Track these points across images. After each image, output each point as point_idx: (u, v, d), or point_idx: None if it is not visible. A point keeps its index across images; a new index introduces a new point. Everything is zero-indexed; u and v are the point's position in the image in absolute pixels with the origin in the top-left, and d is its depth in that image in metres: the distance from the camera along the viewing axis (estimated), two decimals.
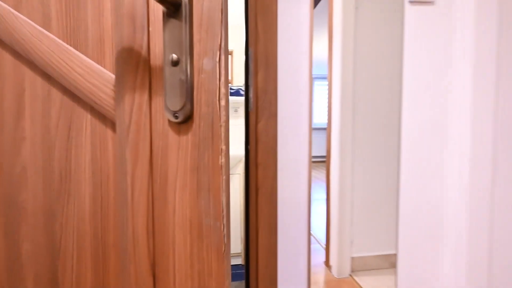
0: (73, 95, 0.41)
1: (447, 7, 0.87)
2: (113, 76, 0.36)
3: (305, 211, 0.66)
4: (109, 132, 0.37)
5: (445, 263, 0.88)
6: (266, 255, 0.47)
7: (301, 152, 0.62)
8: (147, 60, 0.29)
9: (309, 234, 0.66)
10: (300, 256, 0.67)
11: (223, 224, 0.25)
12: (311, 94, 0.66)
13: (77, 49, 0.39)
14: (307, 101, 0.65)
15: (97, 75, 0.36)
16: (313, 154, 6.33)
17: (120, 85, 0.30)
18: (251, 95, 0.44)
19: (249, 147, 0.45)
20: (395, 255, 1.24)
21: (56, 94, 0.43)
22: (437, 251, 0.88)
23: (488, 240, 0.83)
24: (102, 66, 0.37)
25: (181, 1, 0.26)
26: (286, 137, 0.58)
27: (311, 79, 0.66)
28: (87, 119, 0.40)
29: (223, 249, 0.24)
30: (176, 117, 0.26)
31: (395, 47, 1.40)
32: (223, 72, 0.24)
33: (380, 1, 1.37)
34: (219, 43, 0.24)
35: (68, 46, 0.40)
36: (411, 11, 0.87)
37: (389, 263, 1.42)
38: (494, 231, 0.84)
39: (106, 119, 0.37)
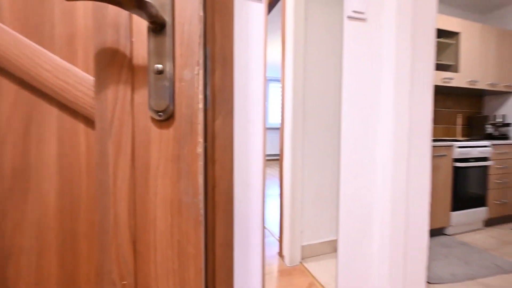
0: (35, 91, 0.42)
1: (377, 24, 1.06)
2: (88, 75, 0.40)
3: (259, 207, 0.74)
4: (81, 127, 0.40)
5: (374, 242, 1.11)
6: (223, 250, 0.50)
7: (256, 150, 0.72)
8: (131, 65, 0.35)
9: (263, 228, 0.76)
10: (255, 249, 0.75)
11: (200, 200, 0.33)
12: (265, 94, 0.77)
13: (42, 46, 0.41)
14: (261, 100, 0.74)
15: (70, 73, 0.39)
16: (269, 152, 6.66)
17: (102, 85, 0.35)
18: (208, 92, 0.47)
19: (206, 144, 0.49)
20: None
21: (8, 89, 0.43)
22: (368, 233, 1.10)
23: (405, 221, 1.08)
24: (74, 65, 0.40)
25: (165, 21, 0.33)
26: (241, 135, 0.66)
27: (265, 79, 0.76)
28: (52, 114, 0.42)
29: (200, 219, 0.33)
30: (160, 116, 0.33)
31: (340, 55, 1.66)
32: (200, 82, 0.33)
33: (326, 13, 1.61)
34: (197, 59, 0.33)
35: (29, 41, 0.41)
36: (349, 25, 1.02)
37: (333, 247, 1.69)
38: (409, 213, 1.09)
39: (78, 114, 0.41)
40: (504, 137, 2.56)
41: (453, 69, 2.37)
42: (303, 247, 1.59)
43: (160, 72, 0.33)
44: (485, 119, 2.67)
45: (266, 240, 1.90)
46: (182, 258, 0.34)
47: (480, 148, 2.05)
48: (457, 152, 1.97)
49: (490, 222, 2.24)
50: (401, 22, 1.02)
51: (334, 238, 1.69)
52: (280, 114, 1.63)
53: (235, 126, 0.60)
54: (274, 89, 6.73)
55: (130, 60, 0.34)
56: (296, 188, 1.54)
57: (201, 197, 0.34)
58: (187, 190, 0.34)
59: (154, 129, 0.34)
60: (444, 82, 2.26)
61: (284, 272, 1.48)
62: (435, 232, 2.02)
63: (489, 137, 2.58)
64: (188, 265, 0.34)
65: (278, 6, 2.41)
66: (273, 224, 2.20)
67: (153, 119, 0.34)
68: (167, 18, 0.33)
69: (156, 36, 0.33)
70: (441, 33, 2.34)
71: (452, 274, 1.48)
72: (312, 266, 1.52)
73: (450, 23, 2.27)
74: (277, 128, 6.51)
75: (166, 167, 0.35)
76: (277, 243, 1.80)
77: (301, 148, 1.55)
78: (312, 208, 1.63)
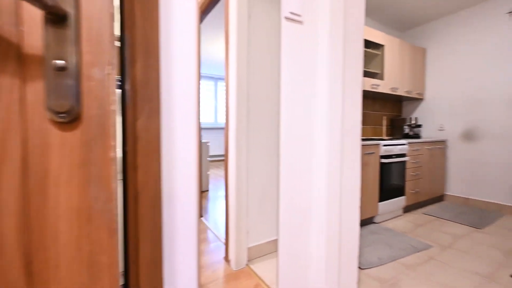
0: None
1: (313, 28, 1.14)
2: None
3: (193, 214, 0.67)
4: None
5: (312, 238, 1.22)
6: (149, 270, 0.46)
7: (189, 151, 0.68)
8: (20, 57, 0.31)
9: (198, 240, 0.70)
10: (189, 264, 0.68)
11: (115, 206, 0.32)
12: (198, 90, 0.75)
13: None
14: (195, 97, 0.72)
15: None
16: (217, 153, 6.61)
17: None
18: (127, 87, 0.43)
19: (126, 148, 0.44)
20: None
21: None
22: (306, 230, 1.21)
23: (339, 216, 1.22)
24: None
25: (66, 13, 0.31)
26: (172, 136, 0.62)
27: (199, 75, 0.74)
28: None
29: (115, 226, 0.32)
30: (62, 117, 0.31)
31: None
32: (112, 83, 0.32)
33: (270, 12, 1.71)
34: (109, 59, 0.32)
35: None
36: (286, 26, 1.07)
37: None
38: (343, 208, 1.24)
39: None
40: (417, 136, 3.16)
41: (379, 77, 2.81)
42: (249, 248, 1.64)
43: (61, 68, 0.31)
44: (403, 121, 3.24)
45: (213, 245, 1.90)
46: (93, 270, 0.32)
47: (399, 146, 2.48)
48: (383, 150, 2.34)
49: (407, 209, 2.73)
50: (334, 30, 1.13)
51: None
52: (225, 113, 1.65)
53: (163, 124, 0.56)
54: (222, 88, 6.71)
55: (18, 51, 0.30)
56: (241, 188, 1.58)
57: (116, 203, 0.33)
58: (98, 196, 0.33)
59: (55, 132, 0.32)
60: (373, 88, 2.65)
61: (230, 277, 1.50)
62: (366, 221, 2.35)
63: (406, 136, 3.14)
64: (101, 275, 0.33)
65: (223, 1, 2.42)
66: (220, 227, 2.21)
67: (52, 121, 0.32)
68: (69, 9, 0.31)
69: (56, 28, 0.31)
70: (369, 44, 2.74)
71: (379, 257, 1.75)
72: (258, 267, 1.58)
73: (376, 36, 2.69)
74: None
75: (71, 173, 0.33)
76: (224, 247, 1.81)
77: (245, 148, 1.60)
78: (257, 208, 1.70)
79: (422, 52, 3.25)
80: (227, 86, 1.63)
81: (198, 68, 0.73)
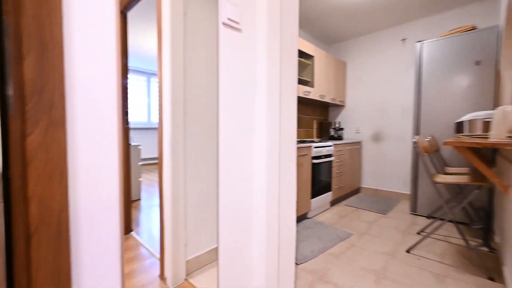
0: None
1: (251, 37, 1.15)
2: None
3: (115, 242, 0.56)
4: None
5: (253, 241, 1.22)
6: None
7: (108, 163, 0.56)
8: None
9: (122, 272, 0.58)
10: None
11: None
12: (119, 88, 0.62)
13: None
14: (115, 98, 0.59)
15: None
16: (151, 155, 6.03)
17: None
18: (10, 92, 0.33)
19: (9, 174, 0.32)
20: None
21: None
22: (248, 232, 1.20)
23: (278, 217, 1.25)
24: None
25: None
26: (83, 150, 0.48)
27: (120, 70, 0.62)
28: None
29: None
30: None
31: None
32: None
33: (208, 11, 1.62)
34: None
35: None
36: (224, 32, 1.05)
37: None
38: (281, 209, 1.28)
39: None
40: (340, 138, 3.60)
41: (310, 84, 3.07)
42: (188, 261, 1.53)
43: None
44: (329, 124, 3.64)
45: (147, 262, 1.69)
46: None
47: (327, 147, 2.77)
48: (314, 151, 2.56)
49: (333, 202, 3.08)
50: (272, 40, 1.16)
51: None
52: (158, 113, 1.49)
53: (74, 135, 0.43)
54: (156, 84, 6.16)
55: None
56: (178, 196, 1.46)
57: None
58: None
59: None
60: (305, 94, 2.88)
61: None
62: (301, 217, 2.54)
63: (332, 138, 3.54)
64: None
65: None
66: (155, 241, 1.99)
67: None
68: None
69: None
70: (302, 54, 2.96)
71: (312, 251, 1.90)
72: (199, 280, 1.49)
73: (308, 47, 2.92)
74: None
75: None
76: (159, 264, 1.63)
77: (182, 153, 1.48)
78: (197, 216, 1.60)
79: (343, 65, 3.72)
80: (160, 84, 1.46)
81: (120, 63, 0.61)
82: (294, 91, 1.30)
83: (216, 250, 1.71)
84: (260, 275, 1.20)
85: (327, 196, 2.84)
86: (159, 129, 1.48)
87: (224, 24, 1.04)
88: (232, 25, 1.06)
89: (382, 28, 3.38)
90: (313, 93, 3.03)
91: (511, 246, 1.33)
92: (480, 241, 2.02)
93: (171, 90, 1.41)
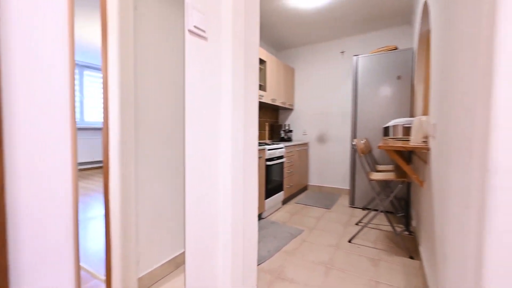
0: None
1: (217, 46, 1.15)
2: None
3: (69, 254, 0.54)
4: None
5: (219, 246, 1.20)
6: None
7: (60, 166, 0.50)
8: None
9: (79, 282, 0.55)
10: None
11: None
12: (72, 85, 0.54)
13: None
14: (67, 95, 0.52)
15: None
16: (86, 159, 5.24)
17: None
18: None
19: None
20: (182, 254, 1.45)
21: None
22: (214, 238, 1.18)
23: (243, 218, 1.26)
24: None
25: None
26: (22, 161, 0.42)
27: (73, 65, 0.54)
28: None
29: None
30: None
31: (181, 56, 1.61)
32: None
33: (163, 7, 1.50)
34: None
35: None
36: (190, 40, 1.04)
37: (176, 264, 1.63)
38: (245, 211, 1.28)
39: None
40: (290, 139, 3.82)
41: (263, 88, 3.16)
42: (140, 279, 1.39)
43: None
44: (280, 127, 3.82)
45: (87, 286, 1.47)
46: None
47: (279, 149, 2.90)
48: (268, 154, 2.65)
49: (285, 201, 3.25)
50: (236, 50, 1.19)
51: (178, 253, 1.65)
52: (103, 113, 1.31)
53: (13, 138, 0.36)
54: (90, 78, 5.39)
55: None
56: (128, 207, 1.31)
57: None
58: None
59: None
60: (259, 98, 2.94)
61: None
62: None
63: (282, 139, 3.73)
64: None
65: None
66: (98, 260, 1.74)
67: None
68: None
69: None
70: None
71: (268, 250, 1.96)
72: None
73: (261, 53, 3.00)
74: (98, 129, 5.27)
75: None
76: (104, 286, 1.44)
77: (133, 154, 1.34)
78: (150, 227, 1.48)
79: (292, 71, 3.96)
80: (105, 80, 1.29)
81: (71, 60, 0.53)
82: (255, 96, 1.33)
83: (172, 261, 1.61)
84: (225, 281, 1.18)
85: (279, 196, 2.97)
86: (104, 129, 1.31)
87: (190, 31, 1.03)
88: (199, 33, 1.06)
89: (325, 40, 3.72)
90: (266, 97, 3.13)
91: (424, 229, 1.65)
92: (402, 226, 2.43)
93: (120, 90, 1.27)
